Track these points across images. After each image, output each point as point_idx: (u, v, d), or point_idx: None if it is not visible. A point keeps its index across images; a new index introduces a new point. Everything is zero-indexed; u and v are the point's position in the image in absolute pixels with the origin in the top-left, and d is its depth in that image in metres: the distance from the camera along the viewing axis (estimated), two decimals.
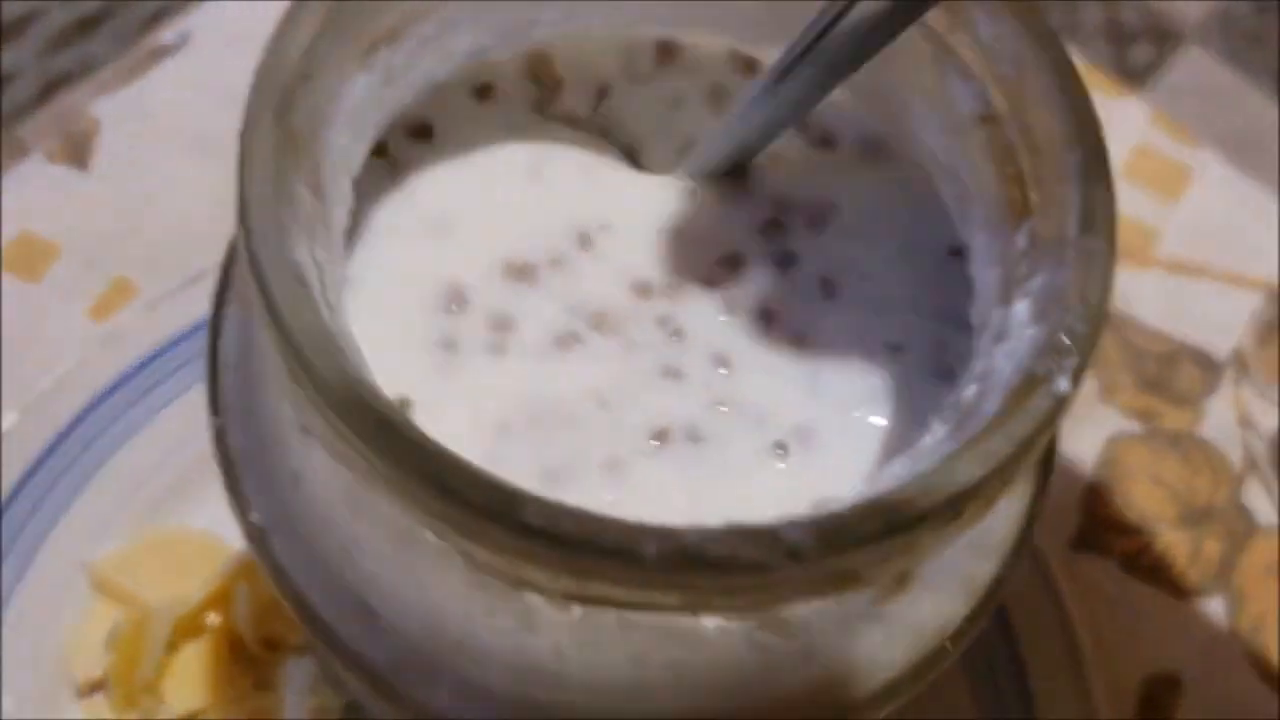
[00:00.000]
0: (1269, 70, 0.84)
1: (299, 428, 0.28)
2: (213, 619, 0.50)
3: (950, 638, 0.30)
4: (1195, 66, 0.83)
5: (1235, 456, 0.58)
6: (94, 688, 0.50)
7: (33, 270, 0.56)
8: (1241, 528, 0.56)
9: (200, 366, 0.32)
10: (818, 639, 0.28)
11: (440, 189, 0.33)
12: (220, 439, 0.31)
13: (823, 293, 0.33)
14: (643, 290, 0.33)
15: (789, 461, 0.30)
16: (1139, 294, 0.61)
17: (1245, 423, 0.58)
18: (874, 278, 0.33)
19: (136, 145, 0.59)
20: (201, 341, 0.31)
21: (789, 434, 0.31)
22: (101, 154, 0.59)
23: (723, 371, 0.32)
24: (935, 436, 0.27)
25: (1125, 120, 0.65)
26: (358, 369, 0.24)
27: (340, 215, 0.28)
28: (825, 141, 0.35)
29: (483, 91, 0.34)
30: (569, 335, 0.32)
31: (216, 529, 0.51)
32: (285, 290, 0.24)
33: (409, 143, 0.33)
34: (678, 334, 0.32)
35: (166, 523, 0.52)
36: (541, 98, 0.35)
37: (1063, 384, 0.25)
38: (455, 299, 0.32)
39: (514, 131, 0.34)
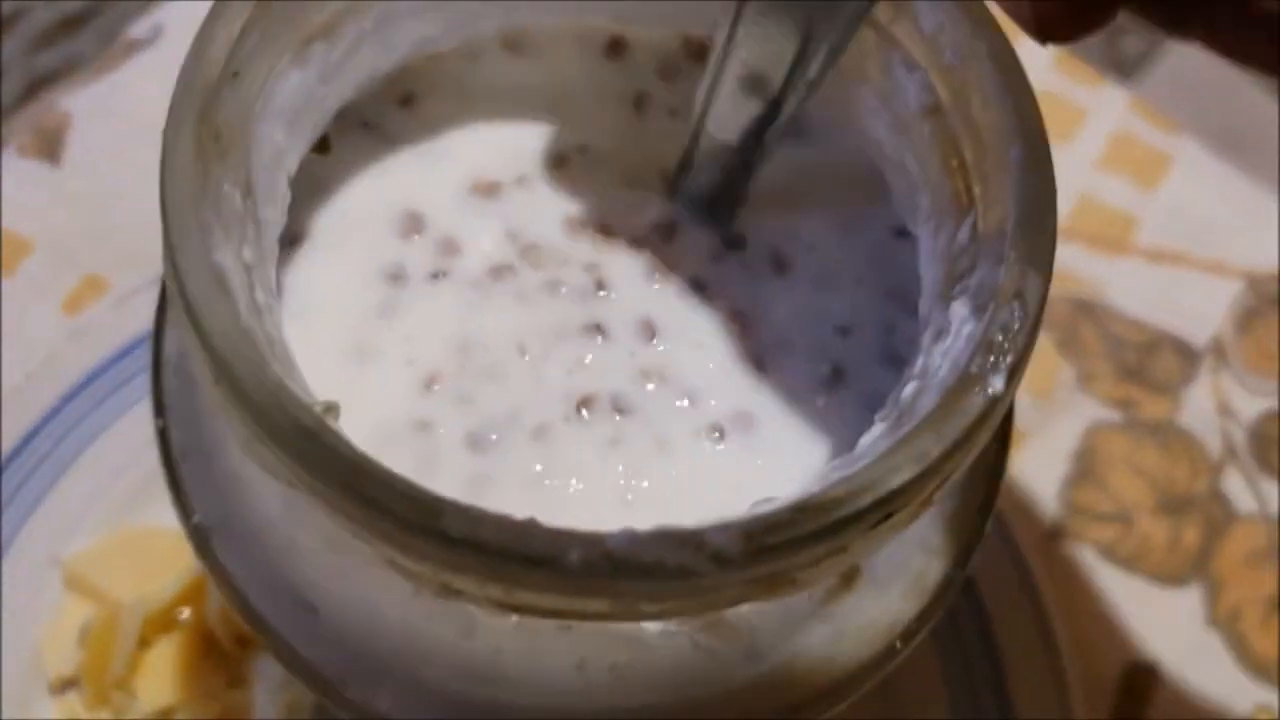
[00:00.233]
0: None
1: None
2: (185, 615, 0.50)
3: (900, 636, 0.29)
4: (1186, 58, 0.83)
5: (1214, 445, 0.57)
6: (66, 685, 0.50)
7: (5, 265, 0.56)
8: (1220, 516, 0.56)
9: None
10: (763, 640, 0.28)
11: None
12: (163, 440, 0.30)
13: (774, 268, 0.32)
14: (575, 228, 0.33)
15: (727, 446, 0.30)
16: (1118, 283, 0.60)
17: (1224, 411, 0.58)
18: (819, 251, 0.32)
19: (109, 140, 0.59)
20: None
21: (726, 418, 0.30)
22: (74, 149, 0.59)
23: (655, 344, 0.31)
24: (873, 435, 0.26)
25: (1104, 108, 0.64)
26: (279, 376, 0.23)
27: (274, 214, 0.28)
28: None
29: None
30: (504, 266, 0.32)
31: None
32: (204, 294, 0.23)
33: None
34: (602, 286, 0.32)
35: (138, 519, 0.52)
36: None
37: (997, 383, 0.24)
38: (413, 223, 0.32)
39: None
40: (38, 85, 0.77)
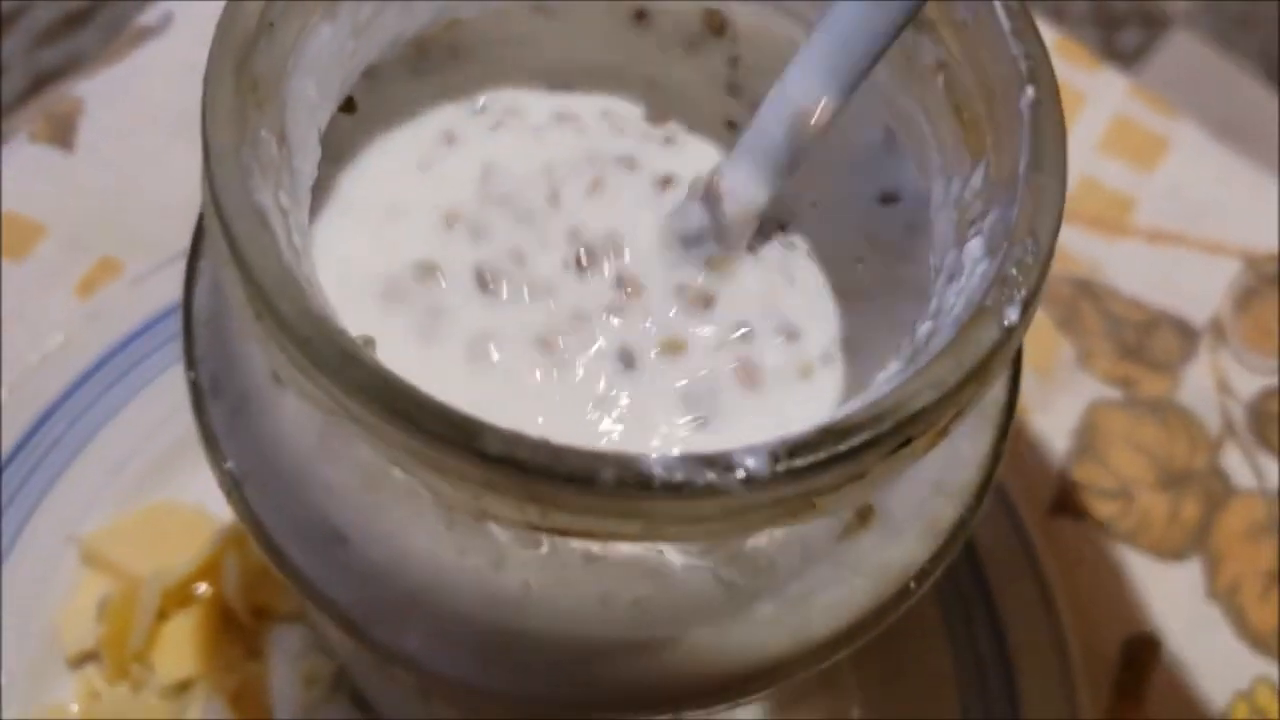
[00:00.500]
0: (1257, 54, 0.84)
1: (270, 375, 0.29)
2: (202, 589, 0.51)
3: (914, 577, 0.30)
4: (1183, 51, 0.84)
5: (1213, 422, 0.58)
6: (85, 658, 0.50)
7: (19, 250, 0.56)
8: (1219, 491, 0.57)
9: None
10: (782, 575, 0.29)
11: None
12: (195, 391, 0.31)
13: (779, 228, 0.33)
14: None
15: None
16: (1117, 263, 0.61)
17: (1223, 388, 0.59)
18: (822, 214, 0.33)
19: (120, 126, 0.60)
20: None
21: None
22: (86, 135, 0.59)
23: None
24: (889, 371, 0.27)
25: (1103, 92, 0.65)
26: (320, 306, 0.24)
27: (307, 166, 0.29)
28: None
29: None
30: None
31: (204, 501, 0.52)
32: (247, 230, 0.24)
33: None
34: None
35: (154, 496, 0.53)
36: None
37: (1011, 314, 0.25)
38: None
39: None
40: (42, 81, 0.78)
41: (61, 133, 0.59)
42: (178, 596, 0.50)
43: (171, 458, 0.53)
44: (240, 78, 0.26)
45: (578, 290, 0.32)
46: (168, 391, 0.53)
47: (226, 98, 0.26)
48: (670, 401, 0.31)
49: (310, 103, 0.29)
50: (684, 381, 0.31)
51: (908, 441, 0.24)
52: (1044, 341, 0.59)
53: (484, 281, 0.31)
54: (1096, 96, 0.65)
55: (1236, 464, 0.57)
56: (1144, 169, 0.63)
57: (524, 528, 0.24)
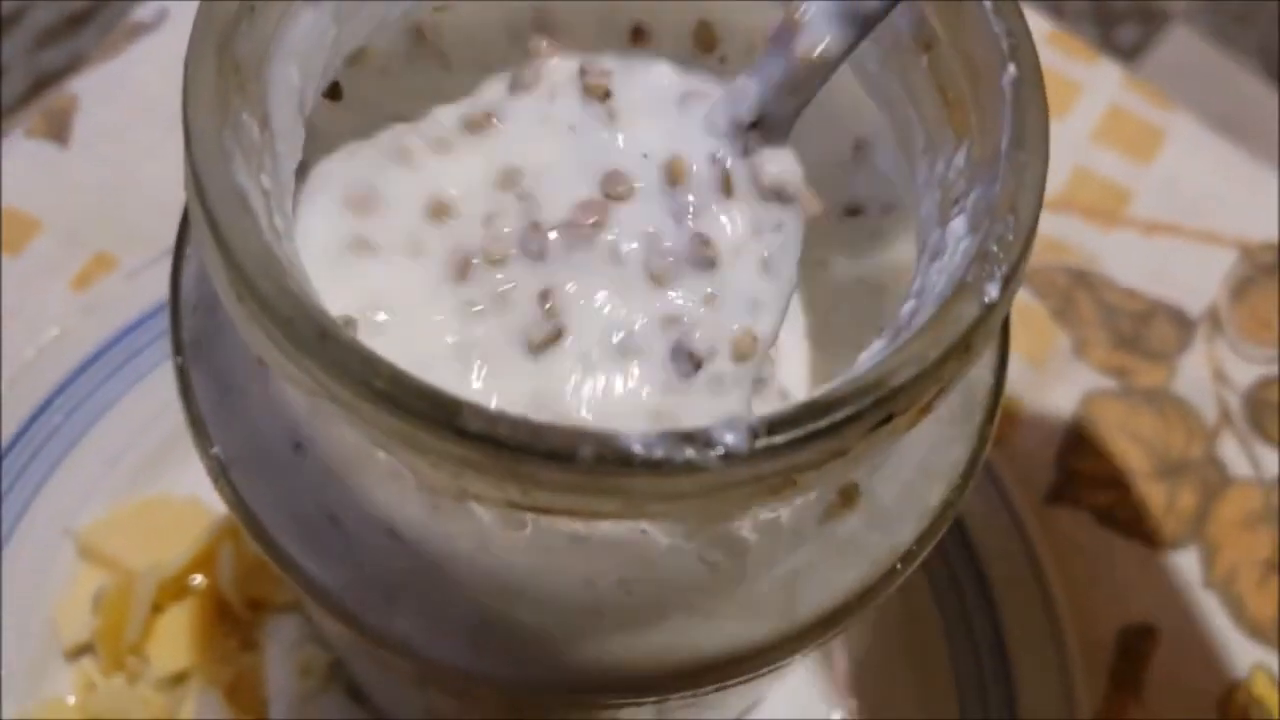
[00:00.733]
0: (1256, 50, 0.84)
1: (254, 360, 0.29)
2: (197, 581, 0.51)
3: (901, 559, 0.30)
4: (1182, 46, 0.84)
5: (1209, 411, 0.58)
6: (81, 651, 0.50)
7: (15, 244, 0.57)
8: (1216, 480, 0.57)
9: None
10: (766, 556, 0.29)
11: None
12: (182, 377, 0.31)
13: (778, 198, 0.33)
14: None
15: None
16: (1113, 254, 0.61)
17: (1219, 378, 0.59)
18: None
19: (115, 121, 0.60)
20: None
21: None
22: (81, 130, 0.60)
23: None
24: (872, 350, 0.27)
25: (1099, 83, 0.65)
26: (300, 286, 0.24)
27: (290, 150, 0.29)
28: None
29: None
30: None
31: (198, 494, 0.52)
32: (228, 211, 0.24)
33: None
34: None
35: (149, 489, 0.53)
36: None
37: (992, 290, 0.25)
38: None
39: None
40: (44, 83, 0.78)
41: (57, 128, 0.59)
42: (173, 589, 0.51)
43: (166, 451, 0.53)
44: (222, 60, 0.26)
45: (565, 273, 0.32)
46: (162, 385, 0.53)
47: (208, 81, 0.26)
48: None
49: (293, 87, 0.29)
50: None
51: (889, 418, 0.24)
52: (1040, 331, 0.59)
53: (462, 270, 0.31)
54: (1092, 87, 0.65)
55: (1233, 453, 0.57)
56: (1140, 161, 0.63)
57: (505, 506, 0.24)
